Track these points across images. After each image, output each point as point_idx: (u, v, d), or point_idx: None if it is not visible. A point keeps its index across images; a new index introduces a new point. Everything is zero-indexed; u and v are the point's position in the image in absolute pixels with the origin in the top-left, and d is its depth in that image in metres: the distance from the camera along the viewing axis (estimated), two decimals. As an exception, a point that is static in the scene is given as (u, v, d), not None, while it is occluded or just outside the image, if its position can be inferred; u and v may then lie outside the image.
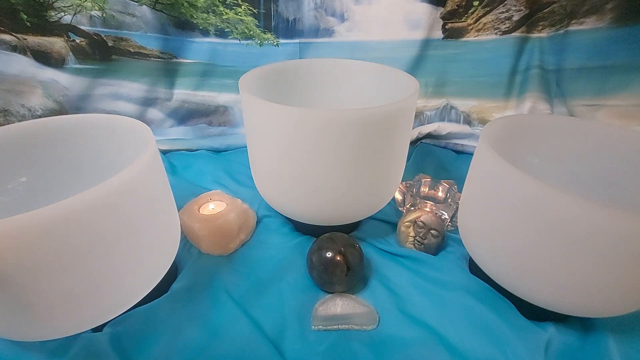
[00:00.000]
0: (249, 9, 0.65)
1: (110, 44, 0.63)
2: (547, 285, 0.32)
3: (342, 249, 0.38)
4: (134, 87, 0.66)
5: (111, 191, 0.27)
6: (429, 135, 0.73)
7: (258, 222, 0.50)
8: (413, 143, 0.72)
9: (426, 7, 0.65)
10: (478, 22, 0.67)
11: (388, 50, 0.68)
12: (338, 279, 0.38)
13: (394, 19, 0.66)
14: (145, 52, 0.65)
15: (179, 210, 0.42)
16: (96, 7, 0.60)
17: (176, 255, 0.37)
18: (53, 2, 0.58)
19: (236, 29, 0.66)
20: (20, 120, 0.60)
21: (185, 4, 0.63)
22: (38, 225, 0.24)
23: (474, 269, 0.42)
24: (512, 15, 0.65)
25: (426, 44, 0.68)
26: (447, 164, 0.67)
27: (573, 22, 0.63)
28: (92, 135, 0.39)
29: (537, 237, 0.30)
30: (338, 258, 0.38)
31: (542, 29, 0.66)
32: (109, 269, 0.29)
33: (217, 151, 0.70)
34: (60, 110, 0.62)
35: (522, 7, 0.65)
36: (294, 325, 0.37)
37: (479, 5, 0.66)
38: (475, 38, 0.68)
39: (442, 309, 0.38)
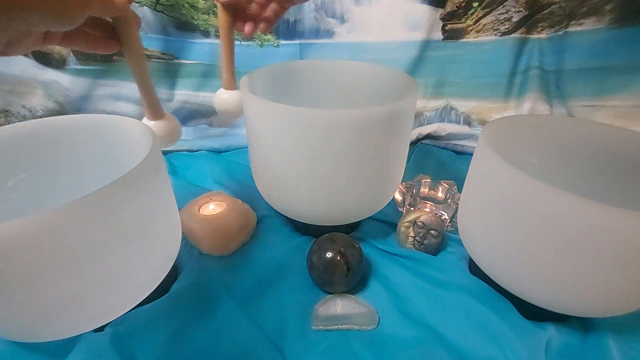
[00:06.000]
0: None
1: (111, 45, 0.63)
2: (547, 285, 0.32)
3: (342, 249, 0.39)
4: (135, 88, 0.65)
5: (114, 192, 0.27)
6: (428, 136, 0.73)
7: (258, 222, 0.50)
8: (413, 144, 0.72)
9: (426, 9, 0.65)
10: (478, 23, 0.67)
11: (388, 51, 0.69)
12: (338, 279, 0.38)
13: (393, 20, 0.67)
14: (146, 53, 0.65)
15: (179, 211, 0.42)
16: None
17: (176, 256, 0.38)
18: (54, 3, 0.58)
19: (236, 30, 0.67)
20: (21, 121, 0.60)
21: (186, 5, 0.63)
22: (40, 226, 0.24)
23: (474, 269, 0.42)
24: (512, 17, 0.66)
25: (426, 45, 0.68)
26: (447, 165, 0.67)
27: (572, 23, 0.63)
28: (95, 136, 0.40)
29: (537, 237, 0.30)
30: (338, 258, 0.38)
31: (541, 30, 0.66)
32: (111, 270, 0.29)
33: (218, 152, 0.70)
34: (61, 111, 0.63)
35: (521, 9, 0.65)
36: (294, 325, 0.37)
37: (478, 6, 0.66)
38: (475, 39, 0.68)
39: (442, 309, 0.38)
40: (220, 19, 0.41)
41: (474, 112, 0.73)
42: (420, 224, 0.44)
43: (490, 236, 0.35)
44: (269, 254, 0.45)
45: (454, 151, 0.72)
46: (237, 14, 0.41)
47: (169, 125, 0.38)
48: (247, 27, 0.42)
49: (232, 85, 0.44)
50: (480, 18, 0.67)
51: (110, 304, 0.31)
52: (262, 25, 0.43)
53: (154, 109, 0.36)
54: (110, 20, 0.29)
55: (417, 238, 0.45)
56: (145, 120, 0.36)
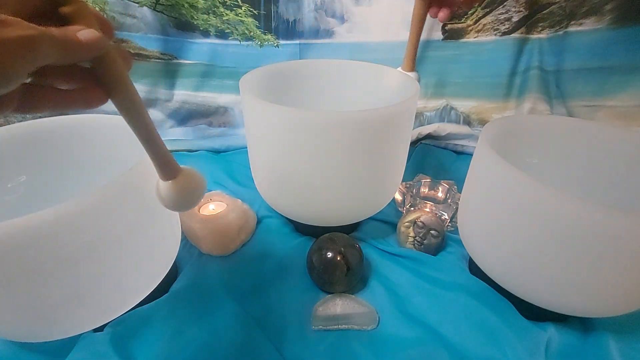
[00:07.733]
0: (249, 10, 0.65)
1: (110, 45, 0.63)
2: (547, 285, 0.32)
3: (342, 249, 0.39)
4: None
5: (113, 192, 0.27)
6: (428, 136, 0.73)
7: (258, 222, 0.50)
8: (413, 144, 0.72)
9: (426, 9, 0.65)
10: (478, 23, 0.67)
11: (388, 51, 0.69)
12: (338, 279, 0.38)
13: (393, 20, 0.66)
14: (146, 53, 0.65)
15: (179, 211, 0.42)
16: (96, 9, 0.60)
17: (176, 256, 0.38)
18: (54, 3, 0.58)
19: (236, 30, 0.67)
20: (21, 121, 0.60)
21: (186, 5, 0.63)
22: (40, 227, 0.24)
23: (474, 269, 0.42)
24: (512, 17, 0.66)
25: (426, 45, 0.68)
26: (447, 165, 0.67)
27: (572, 23, 0.63)
28: (95, 136, 0.40)
29: (536, 237, 0.30)
30: (338, 258, 0.38)
31: (541, 30, 0.66)
32: (110, 270, 0.29)
33: (217, 152, 0.70)
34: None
35: (521, 8, 0.65)
36: (294, 325, 0.37)
37: (478, 6, 0.66)
38: (475, 39, 0.68)
39: (442, 309, 0.38)
40: (415, 9, 0.46)
41: (474, 112, 0.73)
42: (420, 224, 0.44)
43: (490, 236, 0.35)
44: (269, 254, 0.45)
45: (454, 151, 0.72)
46: (433, 1, 0.45)
47: (185, 186, 0.26)
48: (442, 13, 0.45)
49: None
50: (480, 18, 0.67)
51: (110, 303, 0.31)
52: (456, 9, 0.46)
53: (166, 166, 0.24)
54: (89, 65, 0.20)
55: (417, 238, 0.45)
56: (160, 183, 0.25)
